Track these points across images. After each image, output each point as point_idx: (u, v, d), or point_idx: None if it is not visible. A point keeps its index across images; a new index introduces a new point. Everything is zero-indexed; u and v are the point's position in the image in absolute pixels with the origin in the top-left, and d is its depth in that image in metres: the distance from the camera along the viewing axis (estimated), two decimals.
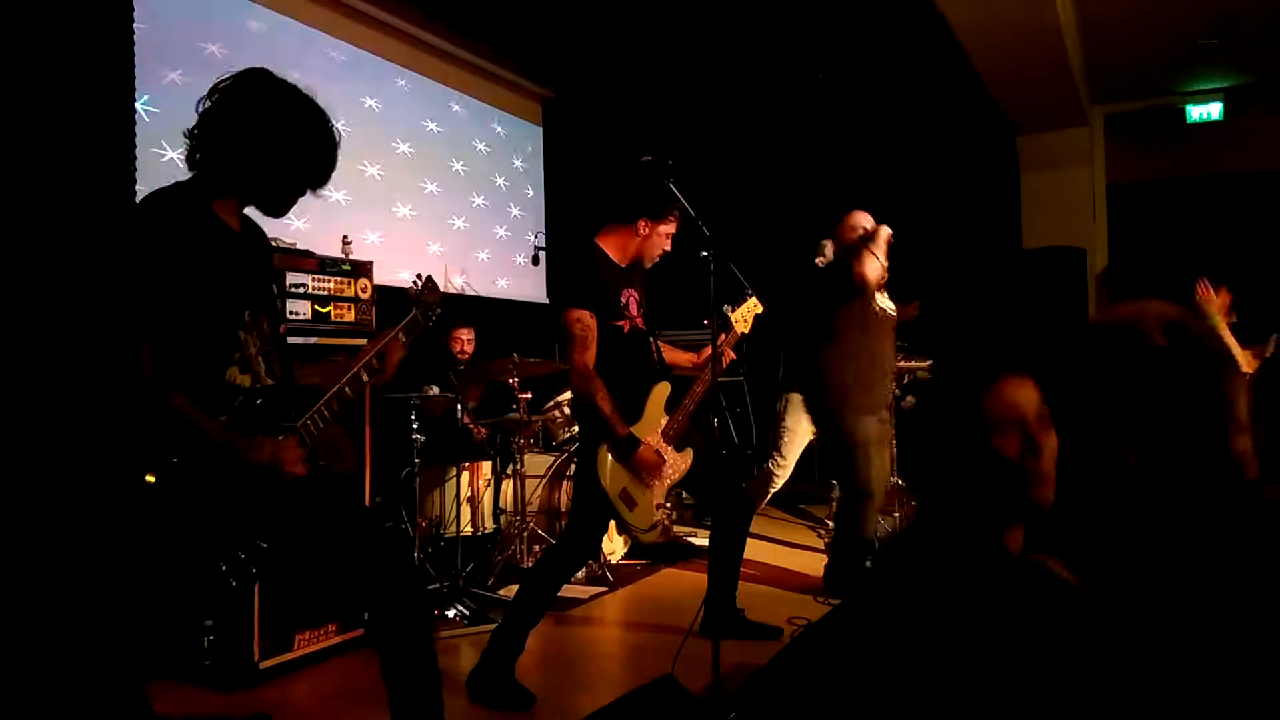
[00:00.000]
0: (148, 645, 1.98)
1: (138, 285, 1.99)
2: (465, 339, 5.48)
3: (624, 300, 3.37)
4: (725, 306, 3.66)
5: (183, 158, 2.19)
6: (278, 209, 2.25)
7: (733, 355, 3.68)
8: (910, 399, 6.48)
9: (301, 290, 3.50)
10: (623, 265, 3.41)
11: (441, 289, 2.63)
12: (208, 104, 2.12)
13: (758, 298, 3.75)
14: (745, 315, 3.66)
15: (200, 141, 2.13)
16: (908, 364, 6.12)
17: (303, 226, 3.79)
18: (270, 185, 2.18)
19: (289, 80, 2.17)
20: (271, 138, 2.10)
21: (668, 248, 3.44)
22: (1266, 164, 7.63)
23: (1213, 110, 7.73)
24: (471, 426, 4.94)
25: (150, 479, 1.96)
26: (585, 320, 3.25)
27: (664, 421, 3.42)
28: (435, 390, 4.92)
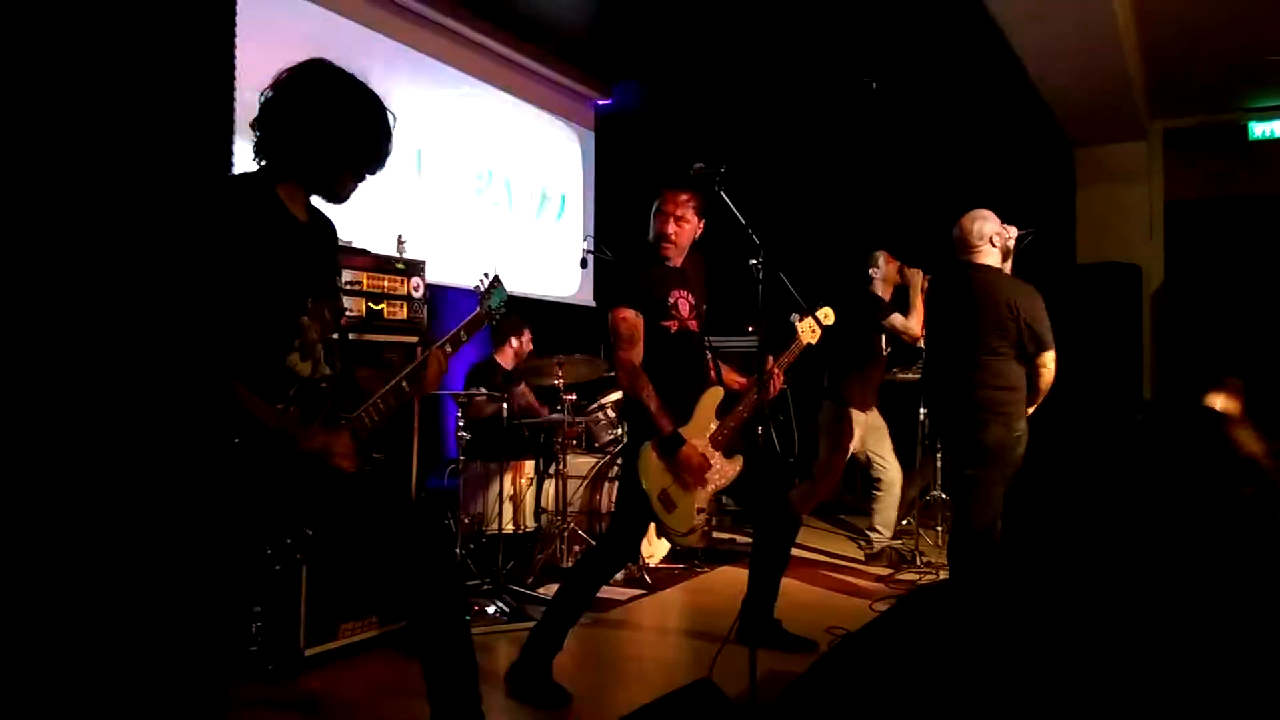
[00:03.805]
0: (214, 629, 2.04)
1: (212, 274, 2.06)
2: (526, 340, 5.56)
3: (673, 300, 3.39)
4: (793, 316, 3.63)
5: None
6: (336, 195, 2.31)
7: (781, 380, 3.50)
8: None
9: (355, 287, 3.57)
10: (671, 264, 3.42)
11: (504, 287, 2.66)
12: (269, 94, 2.19)
13: (831, 308, 3.70)
14: (813, 326, 3.58)
15: (262, 130, 2.20)
16: None
17: (359, 224, 3.86)
18: (326, 169, 2.24)
19: (347, 70, 2.24)
20: (326, 121, 2.17)
21: (674, 229, 3.36)
22: None
23: (1276, 128, 7.56)
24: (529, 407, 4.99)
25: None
26: (631, 319, 3.27)
27: (713, 426, 3.42)
28: (484, 392, 4.99)
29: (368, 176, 2.33)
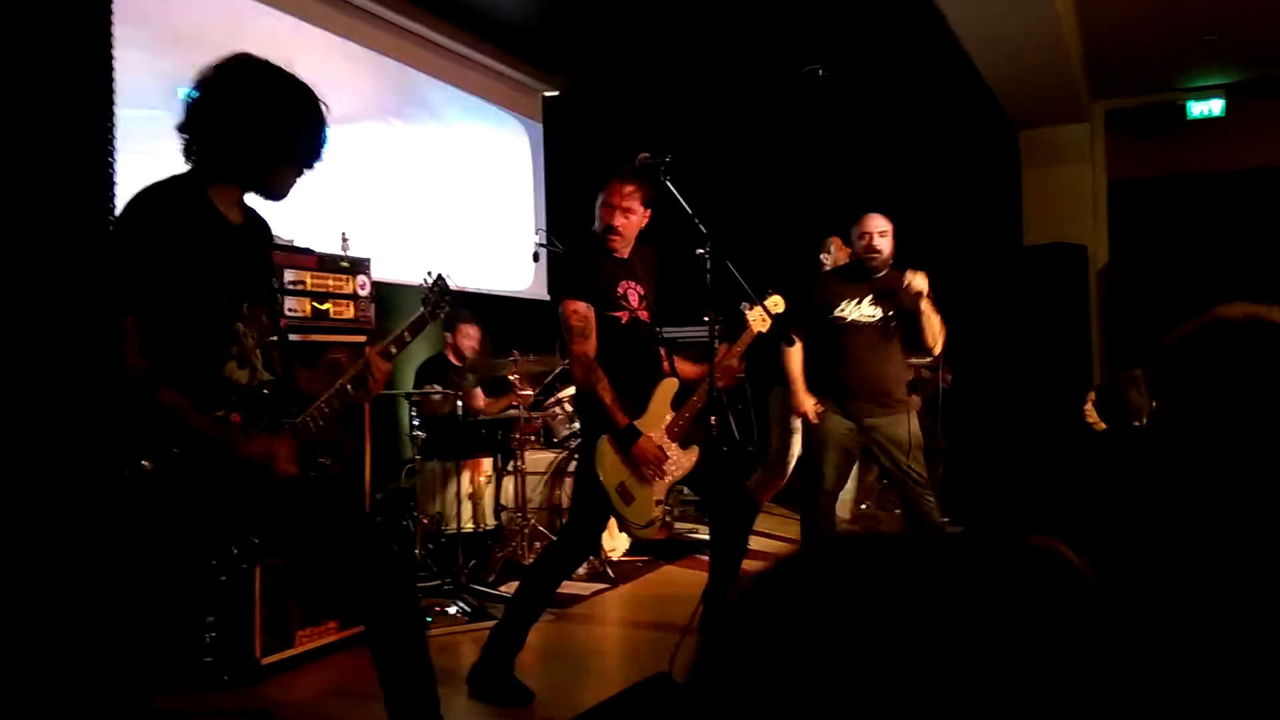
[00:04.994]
0: (144, 642, 1.99)
1: (120, 282, 2.00)
2: (473, 336, 5.51)
3: (621, 291, 3.36)
4: (743, 305, 3.62)
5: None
6: (274, 192, 2.25)
7: (737, 367, 3.51)
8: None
9: (300, 287, 3.51)
10: (619, 254, 3.40)
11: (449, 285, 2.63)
12: (194, 93, 2.13)
13: (780, 295, 3.69)
14: (763, 315, 3.53)
15: (191, 132, 2.14)
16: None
17: (301, 223, 3.82)
18: (262, 166, 2.18)
19: (273, 62, 2.18)
20: (258, 117, 2.11)
21: (622, 220, 3.32)
22: (1268, 160, 7.61)
23: (1214, 106, 7.70)
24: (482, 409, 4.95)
25: (147, 466, 1.96)
26: (581, 312, 3.25)
27: (669, 418, 3.40)
28: (437, 389, 4.94)
29: (306, 172, 2.27)
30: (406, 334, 2.45)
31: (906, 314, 4.15)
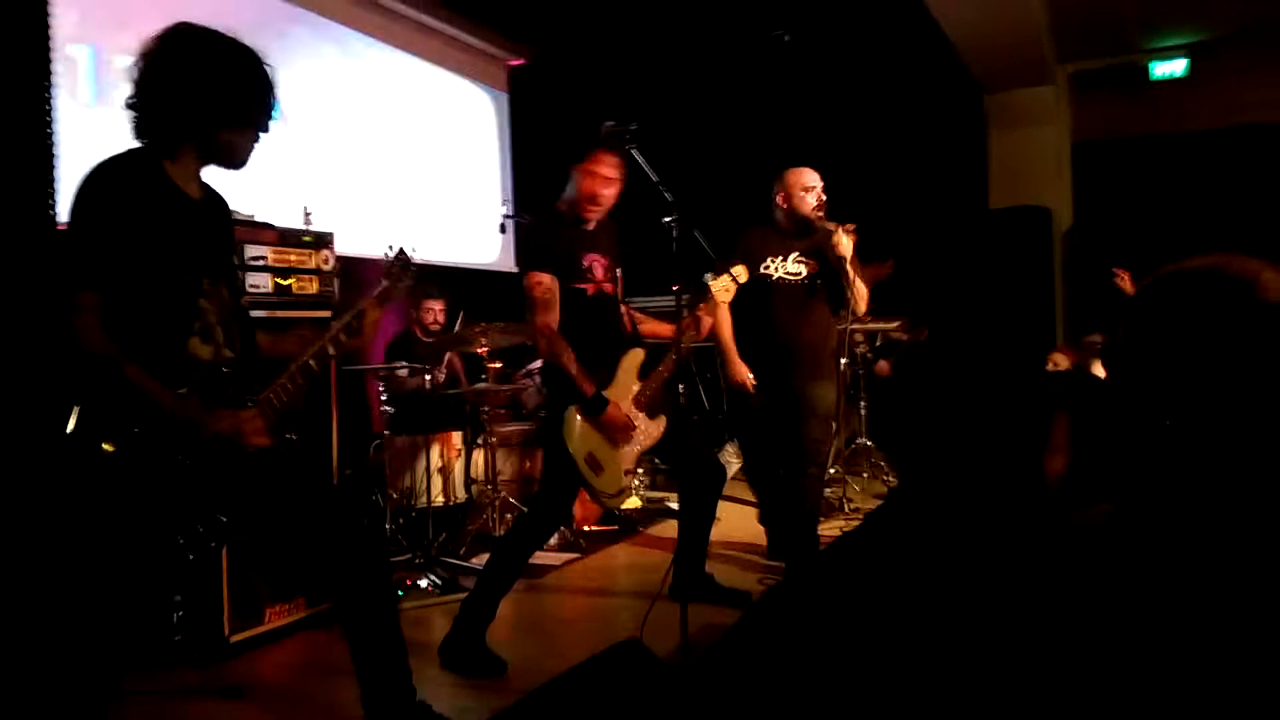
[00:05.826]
0: (111, 624, 1.98)
1: (81, 259, 1.98)
2: (436, 310, 5.48)
3: (587, 264, 3.35)
4: (706, 275, 3.62)
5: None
6: (232, 159, 2.22)
7: (701, 333, 3.53)
8: (883, 363, 6.54)
9: (261, 263, 3.46)
10: (585, 227, 3.38)
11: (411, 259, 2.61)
12: (139, 68, 2.10)
13: (745, 266, 3.67)
14: (727, 285, 3.50)
15: (140, 107, 2.10)
16: (878, 325, 6.16)
17: (262, 197, 3.77)
18: (213, 131, 2.15)
19: (213, 28, 2.16)
20: (204, 81, 2.09)
21: (605, 191, 3.31)
22: (1231, 120, 7.66)
23: (1177, 67, 7.75)
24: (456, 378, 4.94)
25: (108, 448, 1.95)
26: (546, 283, 3.23)
27: (636, 388, 3.41)
28: (404, 366, 4.92)
29: (261, 136, 2.24)
30: (367, 307, 2.43)
31: (831, 272, 4.02)
